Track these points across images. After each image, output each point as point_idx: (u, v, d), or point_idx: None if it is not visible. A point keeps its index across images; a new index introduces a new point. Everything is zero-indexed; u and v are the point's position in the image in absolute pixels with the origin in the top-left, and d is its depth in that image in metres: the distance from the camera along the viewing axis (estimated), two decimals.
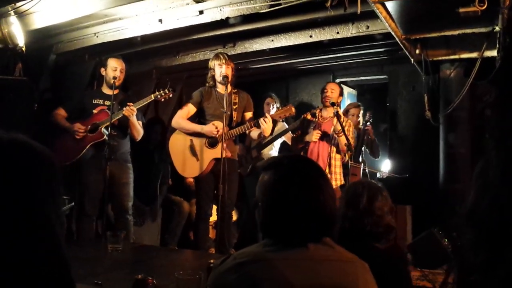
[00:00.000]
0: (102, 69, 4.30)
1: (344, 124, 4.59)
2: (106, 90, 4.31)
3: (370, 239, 1.44)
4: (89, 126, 4.16)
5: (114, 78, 4.11)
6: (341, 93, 4.81)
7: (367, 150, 5.42)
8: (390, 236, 2.09)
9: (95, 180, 4.13)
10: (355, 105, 5.56)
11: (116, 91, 4.11)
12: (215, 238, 4.30)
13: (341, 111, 4.78)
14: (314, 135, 4.64)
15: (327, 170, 4.67)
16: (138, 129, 4.24)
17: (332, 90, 4.74)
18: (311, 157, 4.59)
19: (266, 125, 3.90)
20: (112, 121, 4.03)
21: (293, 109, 4.02)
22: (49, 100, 4.79)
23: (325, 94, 4.75)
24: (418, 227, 4.55)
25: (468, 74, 4.20)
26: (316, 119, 4.80)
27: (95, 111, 4.21)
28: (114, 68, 4.22)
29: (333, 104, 4.65)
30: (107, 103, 4.20)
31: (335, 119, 4.61)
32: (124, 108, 4.02)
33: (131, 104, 4.06)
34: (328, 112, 4.76)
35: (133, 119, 4.11)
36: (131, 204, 4.33)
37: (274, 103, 5.49)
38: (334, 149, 4.71)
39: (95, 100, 4.26)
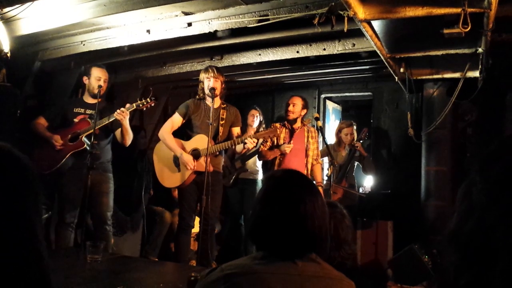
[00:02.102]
0: (85, 78, 4.25)
1: (313, 135, 4.67)
2: (87, 99, 4.27)
3: (338, 268, 1.45)
4: (69, 135, 4.12)
5: (100, 86, 4.10)
6: (304, 106, 4.85)
7: (360, 165, 5.46)
8: (353, 260, 2.03)
9: (76, 189, 4.07)
10: (348, 124, 5.51)
11: (98, 100, 4.08)
12: (196, 250, 4.27)
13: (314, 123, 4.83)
14: (286, 147, 4.65)
15: None
16: (130, 134, 4.19)
17: (294, 104, 4.80)
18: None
19: (252, 145, 3.96)
20: (94, 130, 3.97)
21: (278, 131, 4.07)
22: (33, 107, 4.74)
23: (287, 108, 4.81)
24: (399, 243, 4.58)
25: (451, 94, 4.28)
26: (286, 129, 4.84)
27: (76, 120, 4.17)
28: (98, 78, 4.19)
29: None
30: (89, 112, 4.16)
31: (305, 132, 4.69)
32: (116, 112, 3.99)
33: (123, 108, 4.03)
34: (297, 123, 4.81)
35: (126, 122, 4.07)
36: (110, 215, 4.27)
37: (258, 114, 5.53)
38: (309, 160, 4.75)
39: (76, 109, 4.22)
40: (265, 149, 4.83)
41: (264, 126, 5.57)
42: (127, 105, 4.06)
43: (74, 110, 4.21)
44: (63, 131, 4.15)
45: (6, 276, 0.84)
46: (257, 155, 5.08)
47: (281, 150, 4.69)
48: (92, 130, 3.98)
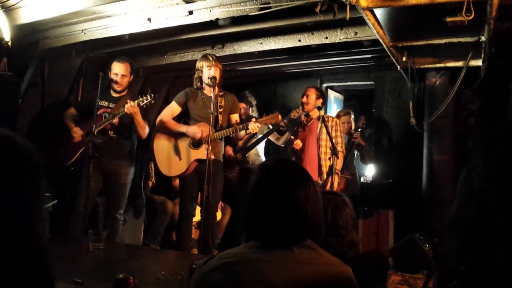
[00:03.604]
0: (109, 72, 4.32)
1: (331, 124, 4.64)
2: (113, 93, 4.36)
3: (335, 255, 1.47)
4: (86, 130, 4.21)
5: (114, 81, 4.26)
6: (319, 97, 4.81)
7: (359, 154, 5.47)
8: (354, 249, 2.03)
9: (91, 178, 4.09)
10: (345, 113, 5.58)
11: (122, 94, 4.31)
12: (197, 238, 4.29)
13: (325, 113, 4.82)
14: (294, 144, 4.66)
15: (318, 171, 4.68)
16: (144, 127, 4.23)
17: (307, 96, 4.78)
18: (303, 160, 4.63)
19: (255, 130, 3.98)
20: (109, 123, 4.13)
21: (280, 117, 4.06)
22: (34, 96, 4.74)
23: (301, 101, 4.80)
24: (400, 232, 4.60)
25: (453, 83, 4.25)
26: (301, 120, 4.82)
27: (98, 113, 4.22)
28: (115, 74, 4.29)
29: (319, 108, 4.69)
30: (112, 105, 4.25)
31: (319, 122, 4.66)
32: (126, 106, 4.02)
33: (131, 101, 4.05)
34: (311, 115, 4.78)
35: (138, 117, 4.10)
36: (124, 204, 4.34)
37: (246, 105, 5.48)
38: (322, 150, 4.72)
39: (101, 102, 4.29)
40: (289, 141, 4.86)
41: (257, 114, 5.53)
42: (129, 101, 4.08)
43: (99, 103, 4.25)
44: (83, 124, 4.28)
45: (3, 267, 0.84)
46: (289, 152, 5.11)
47: (293, 145, 4.71)
48: (101, 126, 4.13)
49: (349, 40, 4.06)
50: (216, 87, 4.12)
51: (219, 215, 5.10)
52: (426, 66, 4.48)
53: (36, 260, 0.90)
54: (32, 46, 4.49)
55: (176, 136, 4.20)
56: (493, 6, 2.74)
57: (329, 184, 4.56)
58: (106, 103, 4.28)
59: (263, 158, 5.42)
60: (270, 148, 5.74)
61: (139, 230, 5.08)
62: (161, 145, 4.28)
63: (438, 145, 4.70)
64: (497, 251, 0.75)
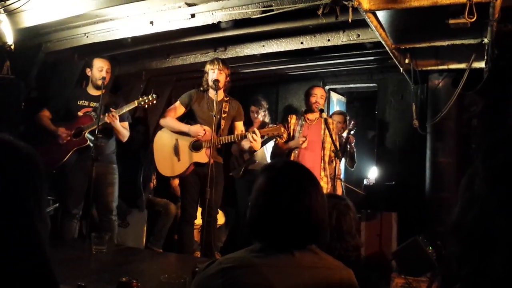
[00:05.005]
0: (88, 70, 4.27)
1: (332, 126, 4.62)
2: (92, 91, 4.27)
3: (339, 259, 1.46)
4: (73, 131, 4.14)
5: (103, 78, 4.10)
6: (326, 97, 4.84)
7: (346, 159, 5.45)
8: (357, 253, 2.01)
9: (80, 181, 4.10)
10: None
11: (102, 91, 4.07)
12: (200, 241, 4.28)
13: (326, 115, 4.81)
14: (303, 142, 4.57)
15: (322, 174, 4.65)
16: (123, 133, 4.23)
17: (322, 96, 4.73)
18: (303, 163, 4.54)
19: (254, 141, 3.91)
20: (98, 125, 3.97)
21: (282, 129, 4.04)
22: (37, 99, 4.75)
23: (314, 100, 4.69)
24: (404, 234, 4.58)
25: (456, 85, 4.25)
26: (304, 122, 4.78)
27: (80, 114, 4.18)
28: (100, 69, 4.20)
29: (321, 111, 4.67)
30: (93, 104, 4.17)
31: (322, 124, 4.64)
32: (106, 115, 4.00)
33: (114, 110, 4.03)
34: (314, 115, 4.76)
35: (116, 124, 4.09)
36: (115, 205, 4.30)
37: (258, 110, 5.46)
38: (326, 152, 4.69)
39: (80, 102, 4.23)
40: (282, 141, 4.77)
41: (269, 118, 5.53)
42: (112, 110, 4.04)
43: (78, 103, 4.22)
44: (66, 124, 4.18)
45: (5, 271, 0.84)
46: (271, 152, 5.05)
47: (295, 144, 4.62)
48: (95, 127, 3.98)
49: (352, 42, 4.06)
50: (222, 92, 4.13)
51: (221, 218, 5.09)
52: (429, 68, 4.47)
53: (38, 263, 0.90)
54: (35, 50, 4.51)
55: (178, 136, 4.20)
56: (496, 8, 2.74)
57: (336, 190, 4.55)
58: (86, 102, 4.22)
59: (269, 160, 5.41)
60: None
61: (142, 233, 5.08)
62: (162, 145, 4.28)
63: (441, 147, 4.69)
64: (497, 255, 0.75)
